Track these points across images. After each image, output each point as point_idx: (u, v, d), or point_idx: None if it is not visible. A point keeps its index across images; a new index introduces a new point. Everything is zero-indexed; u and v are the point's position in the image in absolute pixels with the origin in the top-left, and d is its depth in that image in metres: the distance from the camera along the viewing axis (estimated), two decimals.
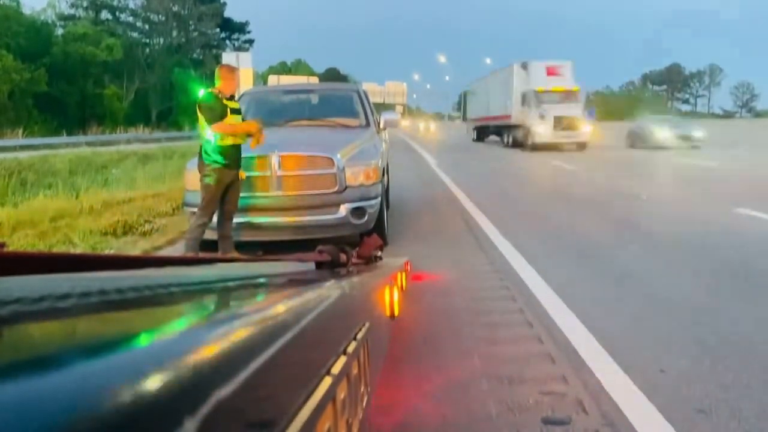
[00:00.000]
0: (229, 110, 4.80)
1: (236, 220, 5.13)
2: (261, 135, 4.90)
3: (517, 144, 23.55)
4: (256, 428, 0.43)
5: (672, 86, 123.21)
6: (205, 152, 4.79)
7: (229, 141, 4.77)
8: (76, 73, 43.14)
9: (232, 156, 4.82)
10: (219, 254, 5.38)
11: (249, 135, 4.90)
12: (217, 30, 59.49)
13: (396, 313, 1.98)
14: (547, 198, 9.80)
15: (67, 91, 41.78)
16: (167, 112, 52.58)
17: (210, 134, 4.75)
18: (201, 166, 4.88)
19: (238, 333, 0.46)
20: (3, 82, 35.87)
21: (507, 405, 2.50)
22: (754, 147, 21.27)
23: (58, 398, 0.26)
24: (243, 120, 4.95)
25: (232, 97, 4.95)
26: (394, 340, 2.48)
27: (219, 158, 4.75)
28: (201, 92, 5.02)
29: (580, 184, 11.70)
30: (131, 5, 55.68)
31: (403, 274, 2.78)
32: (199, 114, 4.84)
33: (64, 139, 27.88)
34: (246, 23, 63.05)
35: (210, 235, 5.40)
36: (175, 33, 56.50)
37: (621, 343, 3.18)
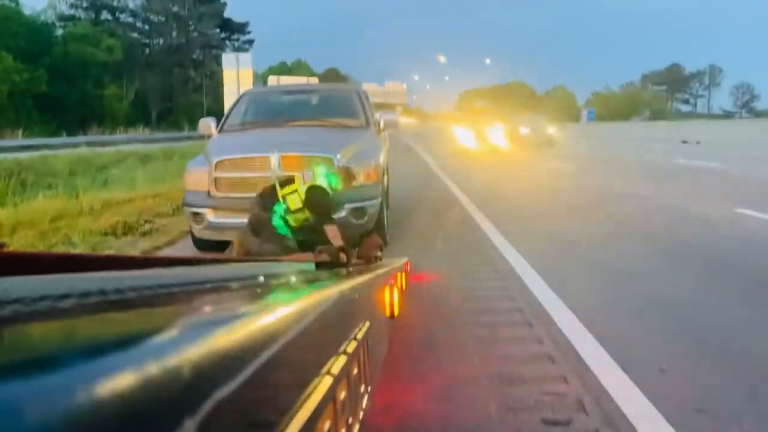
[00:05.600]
0: None
1: (236, 220, 5.12)
2: None
3: None
4: (256, 428, 0.43)
5: (672, 86, 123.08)
6: None
7: None
8: (76, 73, 43.08)
9: None
10: (219, 254, 5.38)
11: None
12: (217, 30, 59.40)
13: (396, 313, 1.98)
14: None
15: (67, 92, 41.70)
16: (167, 112, 52.52)
17: None
18: None
19: (238, 333, 0.46)
20: (3, 82, 35.84)
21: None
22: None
23: (58, 398, 0.26)
24: None
25: None
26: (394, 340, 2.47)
27: None
28: None
29: None
30: (131, 6, 55.67)
31: (403, 275, 2.78)
32: None
33: (63, 139, 27.83)
34: (246, 24, 62.94)
35: (210, 235, 5.40)
36: (174, 33, 56.45)
37: None
